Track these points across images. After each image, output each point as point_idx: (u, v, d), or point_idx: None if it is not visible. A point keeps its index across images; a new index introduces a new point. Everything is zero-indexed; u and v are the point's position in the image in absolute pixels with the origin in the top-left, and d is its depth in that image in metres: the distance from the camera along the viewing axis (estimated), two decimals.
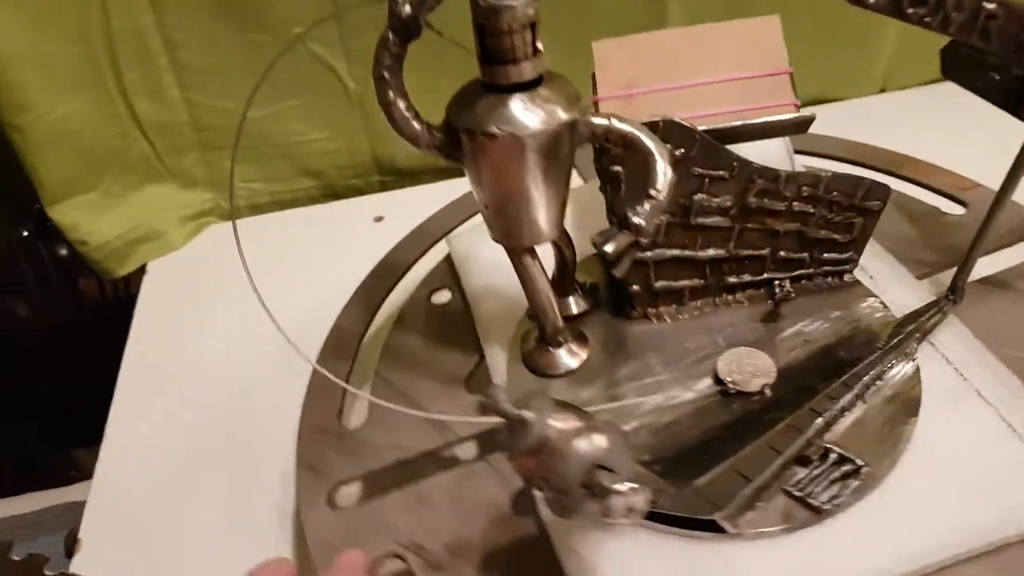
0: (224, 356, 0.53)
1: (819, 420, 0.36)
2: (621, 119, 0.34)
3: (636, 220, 0.32)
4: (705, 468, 0.34)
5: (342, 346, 0.47)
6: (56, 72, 0.55)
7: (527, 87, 0.32)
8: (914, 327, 0.40)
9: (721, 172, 0.39)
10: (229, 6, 0.58)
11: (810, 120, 0.39)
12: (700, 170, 0.38)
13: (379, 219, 0.64)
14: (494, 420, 0.35)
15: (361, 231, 0.61)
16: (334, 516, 0.38)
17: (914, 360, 0.39)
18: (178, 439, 0.48)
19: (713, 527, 0.33)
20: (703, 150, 0.38)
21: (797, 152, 0.54)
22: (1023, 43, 0.33)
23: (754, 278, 0.43)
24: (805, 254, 0.43)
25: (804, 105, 0.40)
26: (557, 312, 0.40)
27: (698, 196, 0.39)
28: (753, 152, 0.45)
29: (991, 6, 0.33)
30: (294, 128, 0.64)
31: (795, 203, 0.40)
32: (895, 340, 0.39)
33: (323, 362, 0.46)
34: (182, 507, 0.43)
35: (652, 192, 0.32)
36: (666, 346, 0.42)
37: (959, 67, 0.39)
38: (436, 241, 0.54)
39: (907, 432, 0.35)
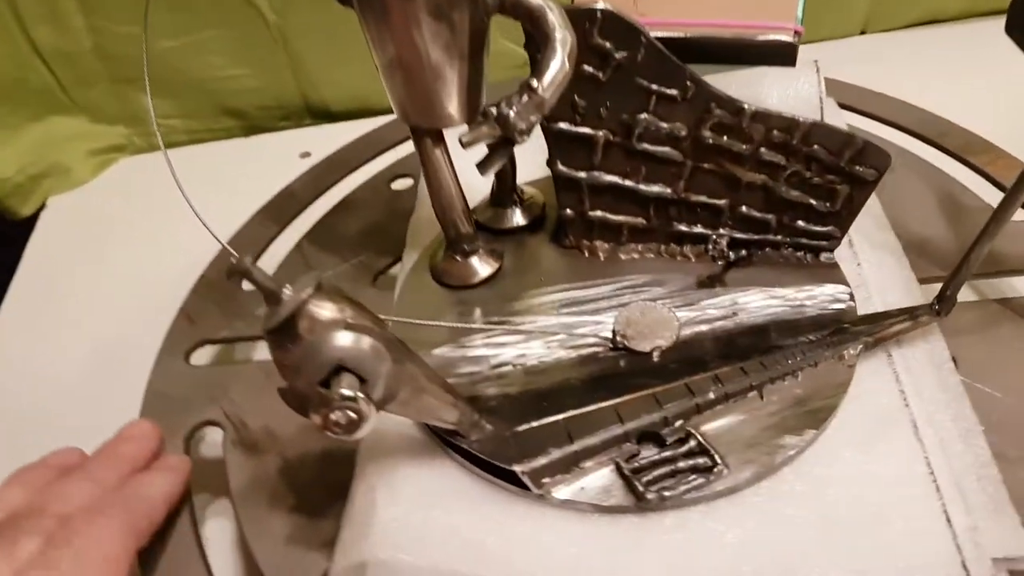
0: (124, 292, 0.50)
1: (691, 400, 0.30)
2: None
3: (505, 111, 0.28)
4: (537, 416, 0.30)
5: (279, 211, 0.46)
6: None
7: None
8: (866, 328, 0.32)
9: (671, 91, 0.33)
10: None
11: (793, 48, 0.32)
12: (645, 83, 0.32)
13: (306, 155, 0.56)
14: None
15: (286, 167, 0.52)
16: (185, 372, 0.38)
17: (851, 367, 0.32)
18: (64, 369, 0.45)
19: (517, 480, 0.29)
20: (649, 58, 0.32)
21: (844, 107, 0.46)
22: None
23: (706, 231, 0.37)
24: (772, 216, 0.36)
25: None
26: (464, 214, 0.36)
27: (643, 116, 0.33)
28: (776, 93, 0.38)
29: None
30: (212, 62, 0.58)
31: (763, 150, 0.33)
32: (836, 337, 0.32)
33: (256, 221, 0.46)
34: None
35: (533, 84, 0.28)
36: (585, 284, 0.37)
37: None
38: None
39: (797, 445, 0.29)
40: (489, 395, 0.32)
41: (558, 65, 0.28)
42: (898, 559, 0.26)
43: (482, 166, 0.30)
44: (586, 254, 0.38)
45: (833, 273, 0.36)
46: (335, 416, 0.23)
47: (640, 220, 0.37)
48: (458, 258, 0.37)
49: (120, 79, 0.58)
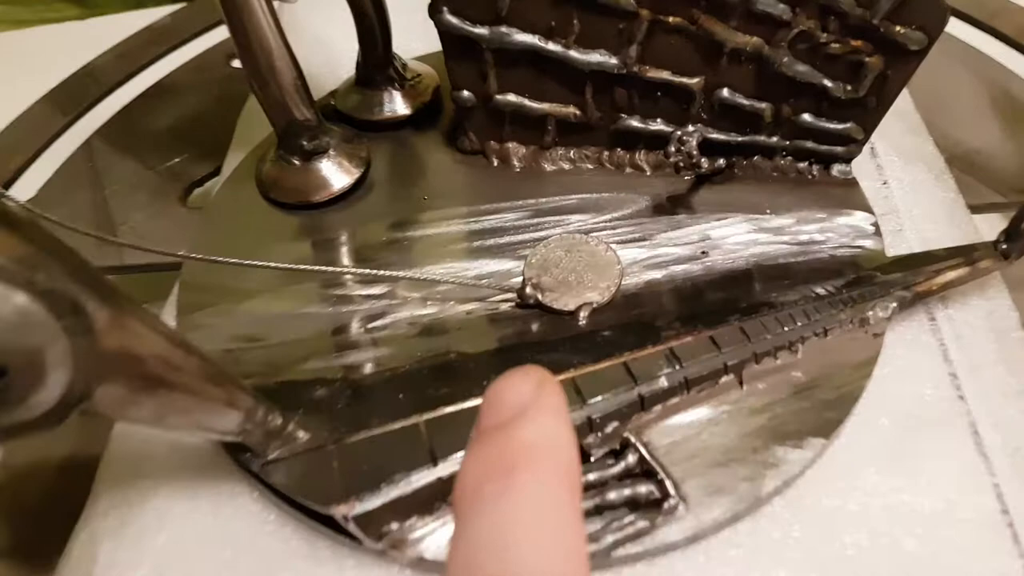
0: None
1: (632, 391, 0.19)
2: None
3: None
4: (390, 416, 0.19)
5: (71, 95, 0.33)
6: None
7: None
8: (900, 278, 0.22)
9: None
10: None
11: None
12: None
13: None
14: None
15: None
16: None
17: (879, 336, 0.21)
18: None
19: (342, 528, 0.18)
20: None
21: None
22: None
23: (668, 128, 0.25)
24: (766, 105, 0.24)
25: None
26: (298, 92, 0.24)
27: None
28: None
29: None
30: None
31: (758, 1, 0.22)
32: (857, 290, 0.22)
33: (38, 109, 0.33)
34: None
35: None
36: (490, 207, 0.25)
37: None
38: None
39: (795, 463, 0.19)
40: (317, 381, 0.21)
41: None
42: None
43: None
44: (494, 162, 0.27)
45: (850, 195, 0.25)
46: None
47: (572, 109, 0.25)
48: (296, 162, 0.25)
49: None
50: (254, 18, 0.22)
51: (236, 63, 0.35)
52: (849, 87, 0.24)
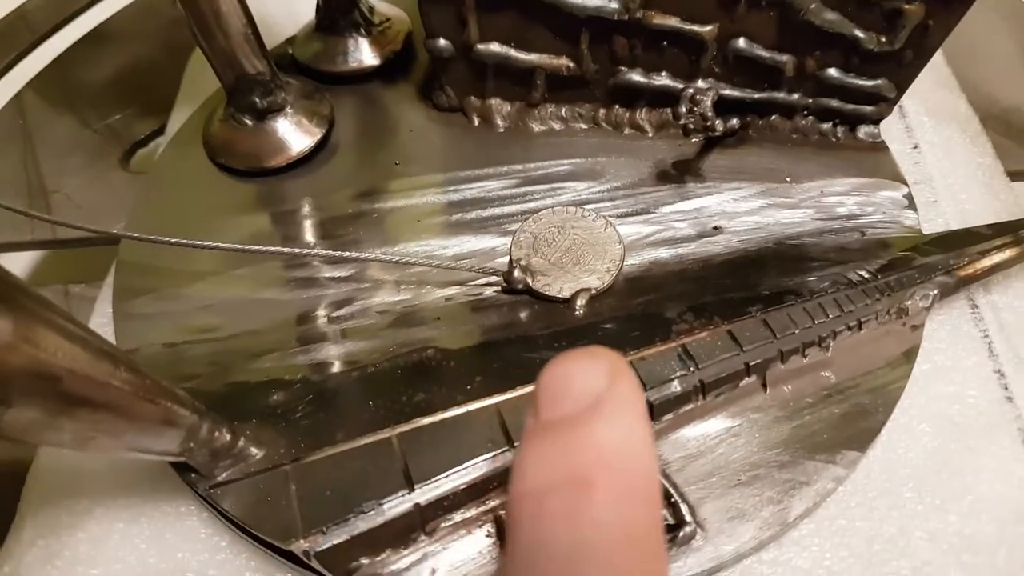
0: None
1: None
2: None
3: None
4: (357, 429, 0.16)
5: (3, 40, 0.28)
6: None
7: None
8: (940, 261, 0.19)
9: None
10: None
11: None
12: None
13: None
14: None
15: None
16: None
17: (918, 328, 0.18)
18: None
19: (303, 563, 0.15)
20: None
21: None
22: None
23: (675, 83, 0.22)
24: (787, 58, 0.21)
25: None
26: (249, 40, 0.20)
27: None
28: None
29: None
30: None
31: None
32: (892, 276, 0.19)
33: None
34: None
35: None
36: (471, 174, 0.22)
37: None
38: None
39: (827, 479, 0.16)
40: (274, 383, 0.17)
41: None
42: None
43: None
44: (475, 120, 0.23)
45: (880, 161, 0.22)
46: None
47: (565, 61, 0.22)
48: (248, 122, 0.22)
49: None
50: None
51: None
52: (884, 38, 0.20)
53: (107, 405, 0.13)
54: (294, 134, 0.22)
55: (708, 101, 0.20)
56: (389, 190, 0.22)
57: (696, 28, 0.20)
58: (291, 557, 0.15)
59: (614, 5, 0.20)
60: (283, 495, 0.15)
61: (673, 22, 0.20)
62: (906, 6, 0.19)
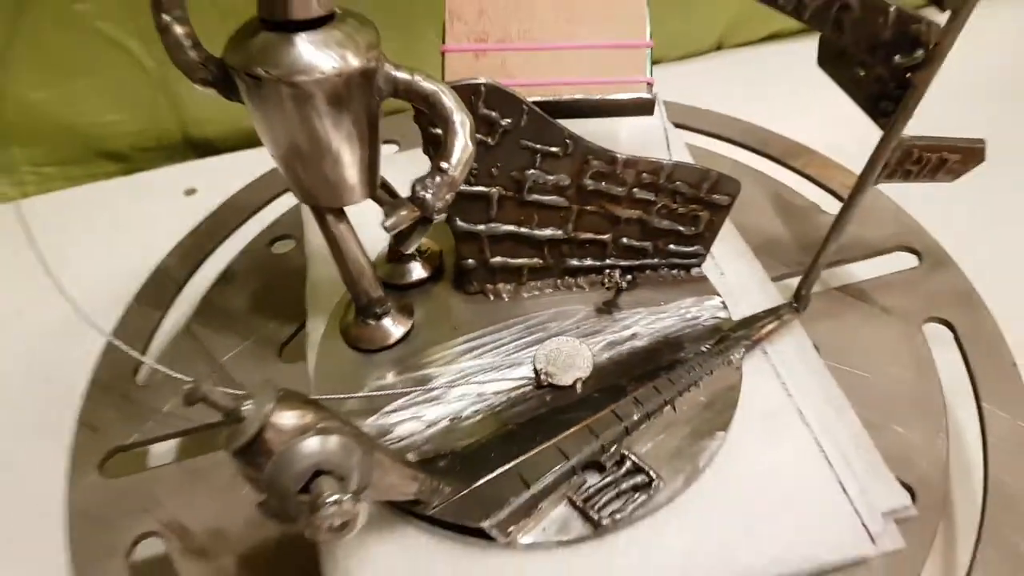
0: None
1: (620, 425, 0.33)
2: (428, 76, 0.29)
3: (422, 194, 0.28)
4: (490, 468, 0.31)
5: (157, 294, 0.42)
6: None
7: (313, 25, 0.27)
8: (744, 333, 0.37)
9: (553, 148, 0.34)
10: None
11: (651, 102, 0.35)
12: (529, 143, 0.34)
13: (191, 191, 0.56)
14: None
15: (171, 205, 0.52)
16: (104, 486, 0.34)
17: (739, 369, 0.35)
18: None
19: (485, 534, 0.29)
20: (531, 123, 0.33)
21: (681, 127, 0.50)
22: (878, 40, 0.29)
23: (595, 263, 0.39)
24: (648, 243, 0.39)
25: None
26: (374, 280, 0.36)
27: (531, 171, 0.35)
28: (626, 127, 0.42)
29: None
30: (86, 108, 0.56)
31: (636, 189, 0.36)
32: (722, 345, 0.36)
33: (135, 309, 0.42)
34: None
35: (443, 166, 0.28)
36: (493, 327, 0.38)
37: (832, 58, 0.35)
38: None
39: (712, 447, 0.32)
40: (435, 456, 0.32)
41: (462, 145, 0.29)
42: (811, 533, 0.30)
43: (402, 245, 0.30)
44: (491, 297, 0.40)
45: (705, 285, 0.40)
46: (326, 523, 0.23)
47: (537, 260, 0.39)
48: (370, 322, 0.37)
49: None
50: (347, 244, 0.34)
51: (275, 248, 0.46)
52: (692, 228, 0.38)
53: (394, 471, 0.27)
54: (396, 326, 0.38)
55: (616, 274, 0.38)
56: (451, 344, 0.37)
57: (600, 236, 0.38)
58: (475, 532, 0.29)
59: (560, 232, 0.37)
60: (468, 503, 0.30)
61: (589, 235, 0.38)
62: (699, 213, 0.38)
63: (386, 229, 0.28)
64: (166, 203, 0.51)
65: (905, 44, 0.28)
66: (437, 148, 0.33)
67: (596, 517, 0.30)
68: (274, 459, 0.23)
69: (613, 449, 0.32)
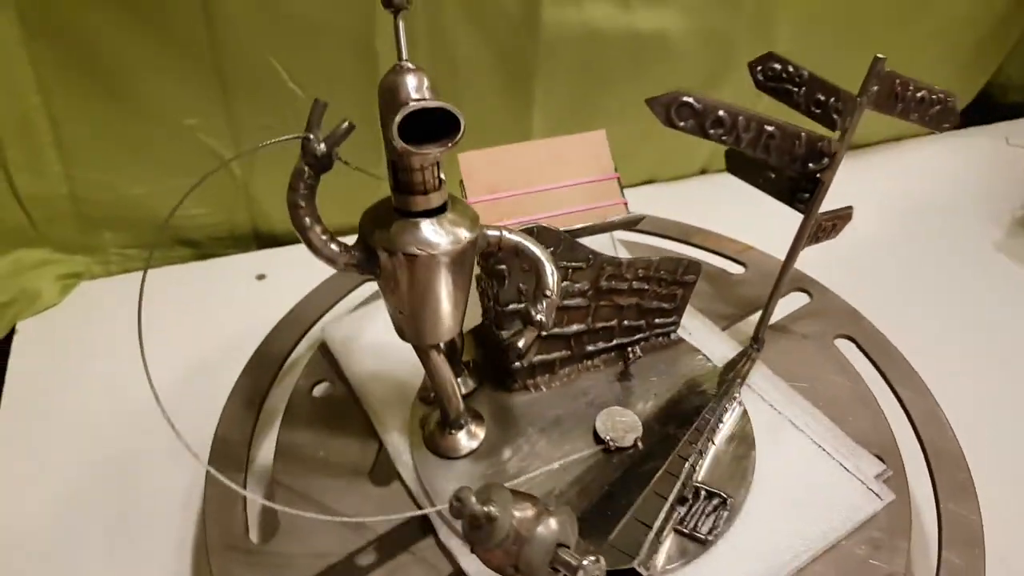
0: (98, 418, 0.52)
1: (687, 464, 0.40)
2: (510, 231, 0.36)
3: (539, 317, 0.35)
4: (612, 523, 0.37)
5: (231, 453, 0.43)
6: None
7: (434, 212, 0.33)
8: (733, 374, 0.47)
9: (579, 263, 0.43)
10: (116, 93, 0.58)
11: (639, 219, 0.45)
12: (564, 263, 0.42)
13: (261, 277, 0.64)
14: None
15: (242, 289, 0.61)
16: None
17: (741, 404, 0.45)
18: (53, 508, 0.47)
19: (631, 574, 0.35)
20: (566, 247, 0.41)
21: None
22: (795, 156, 0.41)
23: (607, 344, 0.48)
24: (642, 321, 0.48)
25: (636, 184, 0.46)
26: (458, 398, 0.41)
27: (564, 283, 0.43)
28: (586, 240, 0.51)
29: (770, 128, 0.40)
30: (174, 203, 0.60)
31: (634, 283, 0.46)
32: (723, 387, 0.46)
33: (212, 481, 0.42)
34: None
35: (547, 293, 0.35)
36: (547, 413, 0.44)
37: (742, 166, 0.47)
38: (310, 326, 0.52)
39: (751, 464, 0.41)
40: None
41: (554, 273, 0.36)
42: (839, 503, 0.40)
43: (521, 357, 0.36)
44: (532, 391, 0.46)
45: (684, 345, 0.50)
46: None
47: (566, 352, 0.46)
48: (452, 432, 0.42)
49: (86, 217, 0.63)
50: (442, 371, 0.39)
51: (317, 391, 0.48)
52: (672, 304, 0.48)
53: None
54: (470, 439, 0.43)
55: (638, 350, 0.46)
56: (522, 434, 0.43)
57: (610, 323, 0.47)
58: (629, 572, 0.35)
59: (583, 326, 0.45)
60: (614, 553, 0.36)
61: (602, 324, 0.46)
62: (677, 292, 0.48)
63: (520, 354, 0.34)
64: (240, 286, 0.61)
65: (814, 155, 0.41)
66: (500, 280, 0.41)
67: (703, 536, 0.37)
68: (526, 545, 0.28)
69: (689, 483, 0.40)
